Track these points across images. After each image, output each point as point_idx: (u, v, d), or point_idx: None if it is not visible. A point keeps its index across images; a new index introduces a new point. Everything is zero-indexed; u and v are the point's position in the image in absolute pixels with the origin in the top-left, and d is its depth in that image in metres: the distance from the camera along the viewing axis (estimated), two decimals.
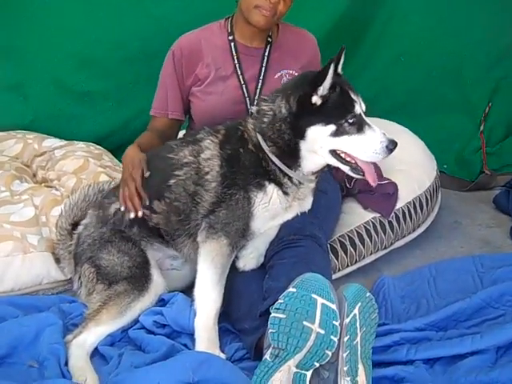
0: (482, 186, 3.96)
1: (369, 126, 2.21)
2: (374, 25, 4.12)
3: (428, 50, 4.11)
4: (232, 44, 2.77)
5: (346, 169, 2.26)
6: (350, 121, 2.18)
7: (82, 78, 3.89)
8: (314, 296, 1.91)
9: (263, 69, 2.77)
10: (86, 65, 3.86)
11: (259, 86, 2.76)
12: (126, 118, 3.99)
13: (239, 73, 2.76)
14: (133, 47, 3.83)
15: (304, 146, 2.24)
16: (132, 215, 2.40)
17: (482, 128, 4.12)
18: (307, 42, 2.90)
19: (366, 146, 2.19)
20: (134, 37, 3.81)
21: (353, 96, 2.22)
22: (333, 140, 2.19)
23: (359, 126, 2.19)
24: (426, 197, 3.18)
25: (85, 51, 3.82)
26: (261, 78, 2.77)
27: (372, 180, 2.25)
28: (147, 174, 2.45)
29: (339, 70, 2.32)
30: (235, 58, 2.76)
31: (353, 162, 2.24)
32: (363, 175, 2.25)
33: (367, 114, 2.26)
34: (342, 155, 2.23)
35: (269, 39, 2.79)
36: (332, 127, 2.18)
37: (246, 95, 2.76)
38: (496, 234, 3.35)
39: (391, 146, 2.18)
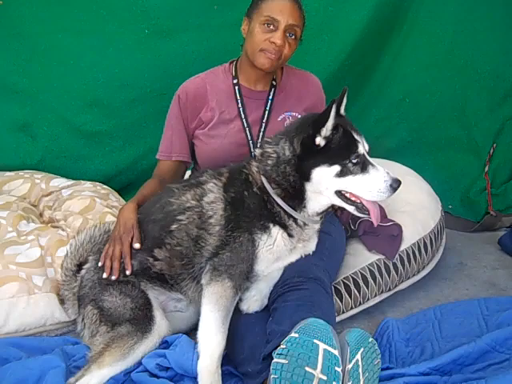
0: (487, 227, 3.96)
1: (372, 165, 2.23)
2: (380, 66, 4.19)
3: (432, 90, 4.16)
4: (236, 87, 2.81)
5: (351, 209, 2.27)
6: (354, 161, 2.19)
7: (90, 118, 3.95)
8: (316, 341, 1.92)
9: (267, 112, 2.81)
10: (94, 105, 3.92)
11: (262, 129, 2.79)
12: (133, 158, 4.04)
13: (243, 116, 2.80)
14: (140, 87, 3.90)
15: (309, 187, 2.26)
16: (105, 275, 2.42)
17: (486, 169, 4.13)
18: (311, 84, 2.93)
19: (370, 185, 2.20)
20: (141, 77, 3.88)
21: (356, 136, 2.25)
22: (338, 180, 2.21)
23: (363, 166, 2.21)
24: (431, 238, 3.17)
25: (92, 91, 3.89)
26: (264, 120, 2.80)
27: (376, 220, 2.26)
28: (137, 246, 2.44)
29: (342, 111, 2.35)
30: (239, 101, 2.80)
31: (358, 201, 2.25)
32: (368, 214, 2.25)
33: (370, 153, 2.28)
34: (347, 195, 2.25)
35: (273, 82, 2.83)
36: (337, 168, 2.19)
37: (250, 138, 2.79)
38: (501, 275, 3.34)
39: (395, 184, 2.20)
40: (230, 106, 2.80)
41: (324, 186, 2.23)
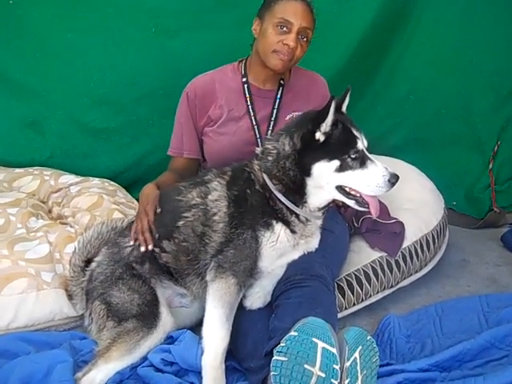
0: (490, 224, 3.99)
1: (371, 160, 2.27)
2: (385, 64, 4.20)
3: (437, 88, 4.18)
4: (245, 86, 2.85)
5: (351, 203, 2.31)
6: (353, 156, 2.23)
7: (98, 115, 3.98)
8: (314, 340, 1.96)
9: (275, 110, 2.84)
10: (102, 102, 3.95)
11: (271, 127, 2.83)
12: (140, 155, 4.08)
13: (252, 114, 2.83)
14: (147, 85, 3.93)
15: (310, 182, 2.29)
16: (143, 249, 2.45)
17: (491, 166, 4.15)
18: (318, 85, 2.97)
19: (369, 180, 2.24)
20: (148, 75, 3.91)
21: (355, 132, 2.29)
22: (337, 175, 2.24)
23: (362, 161, 2.25)
24: (433, 236, 3.19)
25: (100, 89, 3.92)
26: (272, 118, 2.83)
27: (374, 212, 2.30)
28: (159, 211, 2.51)
29: (343, 109, 2.40)
30: (248, 99, 2.84)
31: (358, 195, 2.29)
32: (368, 207, 2.29)
33: (369, 149, 2.33)
34: (347, 189, 2.29)
35: (281, 82, 2.86)
36: (336, 163, 2.23)
37: (258, 136, 2.82)
38: (503, 272, 3.37)
39: (393, 179, 2.24)
40: (239, 104, 2.84)
41: (324, 180, 2.27)
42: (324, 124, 2.23)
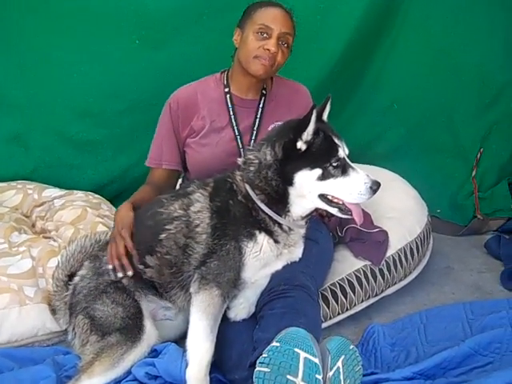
0: (474, 231, 4.01)
1: (353, 168, 2.28)
2: (368, 73, 4.21)
3: (420, 96, 4.19)
4: (227, 96, 2.85)
5: (334, 211, 2.32)
6: (335, 164, 2.25)
7: (82, 128, 3.96)
8: (296, 350, 1.96)
9: (258, 120, 2.84)
10: (85, 115, 3.94)
11: (253, 137, 2.83)
12: (124, 167, 4.06)
13: (234, 124, 2.83)
14: (130, 97, 3.92)
15: (293, 191, 2.30)
16: (120, 275, 2.45)
17: (474, 173, 4.18)
18: (301, 94, 2.97)
19: (351, 187, 2.26)
20: (132, 87, 3.89)
21: (336, 140, 2.30)
22: (320, 184, 2.26)
23: (344, 169, 2.26)
24: (417, 244, 3.20)
25: (84, 102, 3.90)
26: (255, 128, 2.83)
27: (358, 219, 2.31)
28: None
29: (324, 117, 2.42)
30: (230, 109, 2.84)
31: (340, 203, 2.30)
32: (351, 215, 2.30)
33: (351, 158, 2.34)
34: (330, 197, 2.30)
35: (263, 91, 2.87)
36: (318, 171, 2.24)
37: (241, 146, 2.82)
38: (487, 279, 3.38)
39: (375, 186, 2.25)
40: (221, 115, 2.84)
41: (307, 189, 2.28)
42: (305, 133, 2.25)
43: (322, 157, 2.26)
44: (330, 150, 2.27)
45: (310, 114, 2.23)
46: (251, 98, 2.87)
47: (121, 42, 3.82)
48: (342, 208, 2.31)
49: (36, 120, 3.92)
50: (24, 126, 3.92)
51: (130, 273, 2.43)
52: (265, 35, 2.66)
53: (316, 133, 2.26)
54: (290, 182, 2.28)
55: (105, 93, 3.90)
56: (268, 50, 2.65)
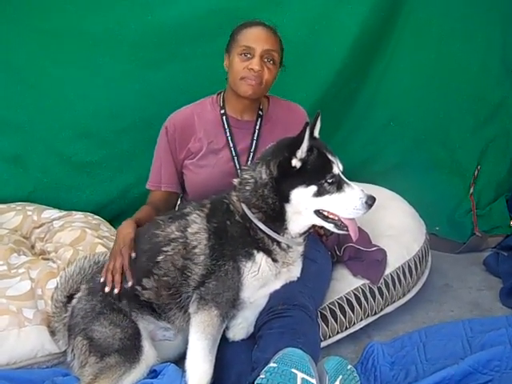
0: (472, 248, 4.01)
1: (347, 184, 2.30)
2: (364, 91, 4.23)
3: (417, 114, 4.22)
4: (224, 118, 2.87)
5: (330, 226, 2.34)
6: (330, 180, 2.27)
7: (80, 148, 3.97)
8: (293, 371, 1.96)
9: (254, 141, 2.86)
10: (84, 136, 3.95)
11: (250, 158, 2.84)
12: (123, 187, 4.06)
13: (231, 145, 2.85)
14: (129, 117, 3.93)
15: (289, 208, 2.32)
16: (107, 289, 2.44)
17: (471, 190, 4.18)
18: (297, 115, 2.98)
19: (346, 203, 2.27)
20: (130, 107, 3.91)
21: (330, 157, 2.32)
22: (315, 200, 2.28)
23: (339, 185, 2.29)
24: (415, 262, 3.21)
25: (82, 122, 3.92)
26: (252, 150, 2.85)
27: (354, 235, 2.33)
28: (133, 255, 2.49)
29: (316, 133, 2.45)
30: (227, 131, 2.86)
31: (336, 218, 2.31)
32: (347, 230, 2.32)
33: (345, 174, 2.36)
34: (326, 213, 2.31)
35: (260, 112, 2.89)
36: (314, 188, 2.27)
37: (238, 167, 2.83)
38: (486, 296, 3.38)
39: (370, 201, 2.27)
40: (218, 136, 2.86)
41: (303, 206, 2.30)
42: (300, 151, 2.27)
43: (317, 174, 2.28)
44: (324, 166, 2.30)
45: (304, 131, 2.26)
46: (247, 120, 2.89)
47: (118, 61, 3.85)
48: (338, 224, 2.32)
49: (35, 141, 3.92)
50: (22, 147, 3.93)
51: (116, 290, 2.44)
52: (248, 55, 2.70)
53: (310, 150, 2.29)
54: (287, 199, 2.30)
55: (103, 113, 3.92)
56: (252, 69, 2.68)
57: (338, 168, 2.32)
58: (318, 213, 2.32)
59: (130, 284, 2.45)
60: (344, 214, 2.29)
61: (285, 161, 2.30)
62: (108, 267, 2.50)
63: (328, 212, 2.31)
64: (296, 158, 2.28)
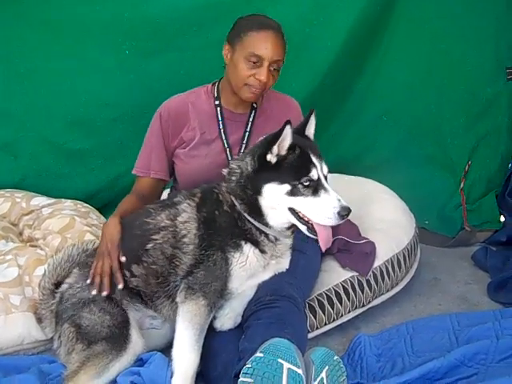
0: (462, 243, 4.00)
1: (325, 190, 2.27)
2: (358, 85, 4.23)
3: (409, 109, 4.21)
4: (218, 109, 2.85)
5: (303, 228, 2.32)
6: (306, 183, 2.25)
7: (71, 136, 3.96)
8: (280, 361, 1.96)
9: (247, 133, 2.85)
10: (75, 124, 3.94)
11: (242, 150, 2.82)
12: (114, 176, 4.05)
13: (223, 137, 2.83)
14: (122, 106, 3.92)
15: (263, 202, 2.32)
16: (94, 292, 2.44)
17: (462, 185, 4.18)
18: (291, 108, 2.97)
19: (318, 209, 2.25)
20: (122, 97, 3.90)
21: (314, 159, 2.29)
22: (288, 198, 2.27)
23: (315, 189, 2.26)
24: (404, 255, 3.21)
25: (74, 111, 3.91)
26: (244, 142, 2.84)
27: (323, 245, 2.31)
28: (123, 259, 2.48)
29: (308, 132, 2.44)
30: (220, 122, 2.84)
31: (309, 222, 2.30)
32: (317, 237, 2.30)
33: (327, 177, 2.33)
34: (300, 214, 2.30)
35: (254, 105, 2.87)
36: (287, 187, 2.26)
37: (230, 158, 2.80)
38: (474, 290, 3.38)
39: (343, 212, 2.22)
40: (211, 127, 2.84)
41: (275, 201, 2.29)
42: (275, 146, 2.26)
43: (293, 174, 2.26)
44: (302, 168, 2.27)
45: (283, 128, 2.24)
46: (241, 112, 2.87)
47: (111, 51, 3.83)
48: (310, 227, 2.30)
49: (25, 128, 3.91)
50: (13, 135, 3.92)
51: (104, 293, 2.44)
52: (256, 63, 2.62)
53: (292, 148, 2.28)
54: (259, 192, 2.30)
55: (95, 102, 3.91)
56: (259, 80, 2.63)
57: (320, 172, 2.29)
58: (292, 210, 2.30)
59: (120, 287, 2.45)
60: (315, 219, 2.27)
61: (262, 155, 2.30)
62: (96, 269, 2.49)
63: (302, 213, 2.30)
64: (271, 153, 2.28)
